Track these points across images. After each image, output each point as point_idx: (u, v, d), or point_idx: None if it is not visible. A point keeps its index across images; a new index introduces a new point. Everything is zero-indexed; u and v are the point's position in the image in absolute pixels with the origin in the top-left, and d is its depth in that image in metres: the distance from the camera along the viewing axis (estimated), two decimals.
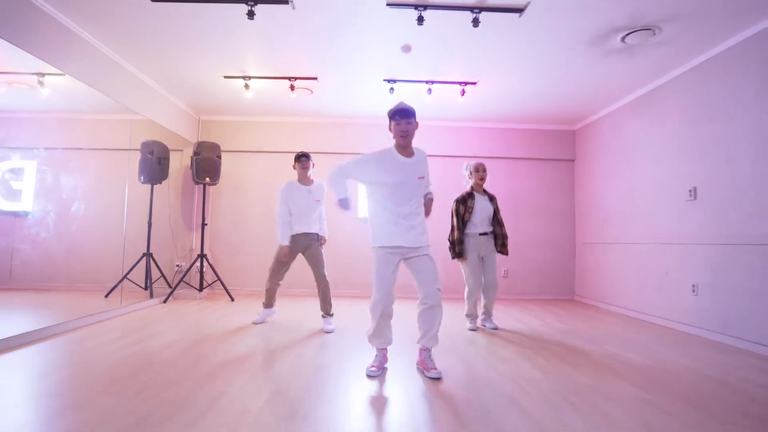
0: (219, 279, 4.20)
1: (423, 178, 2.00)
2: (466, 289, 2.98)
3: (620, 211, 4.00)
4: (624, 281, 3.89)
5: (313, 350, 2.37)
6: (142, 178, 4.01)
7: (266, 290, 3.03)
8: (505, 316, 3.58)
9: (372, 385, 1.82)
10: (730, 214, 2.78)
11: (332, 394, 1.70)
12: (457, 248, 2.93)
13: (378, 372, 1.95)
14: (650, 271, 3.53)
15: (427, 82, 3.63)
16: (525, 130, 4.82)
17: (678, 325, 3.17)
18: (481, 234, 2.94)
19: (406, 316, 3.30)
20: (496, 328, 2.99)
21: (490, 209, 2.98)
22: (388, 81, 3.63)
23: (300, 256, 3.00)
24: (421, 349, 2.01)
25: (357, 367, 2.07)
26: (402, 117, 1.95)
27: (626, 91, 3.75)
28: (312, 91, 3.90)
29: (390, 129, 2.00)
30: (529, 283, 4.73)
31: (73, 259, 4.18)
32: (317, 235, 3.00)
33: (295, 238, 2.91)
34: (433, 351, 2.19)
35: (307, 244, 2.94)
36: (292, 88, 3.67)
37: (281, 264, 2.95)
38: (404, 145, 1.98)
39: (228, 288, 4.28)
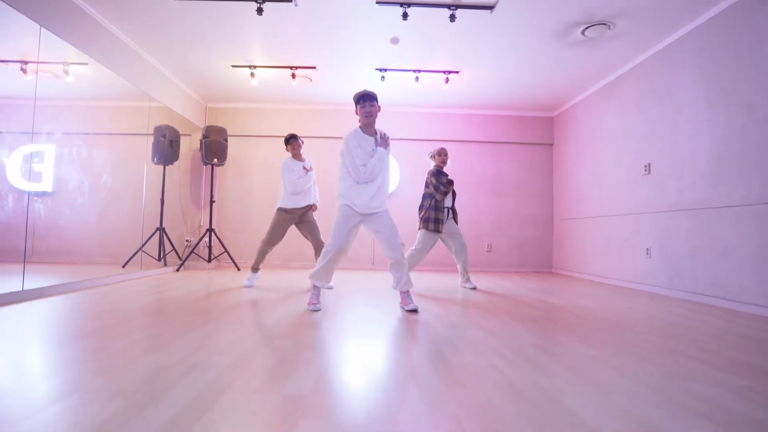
0: (226, 250, 4.63)
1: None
2: (412, 252, 3.31)
3: (590, 188, 4.46)
4: (592, 251, 4.36)
5: None
6: (155, 159, 4.42)
7: (258, 252, 3.21)
8: (484, 281, 4.04)
9: (361, 315, 2.27)
10: (673, 185, 3.24)
11: (333, 317, 2.15)
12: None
13: (319, 306, 2.32)
14: (613, 240, 4.00)
15: (414, 71, 4.05)
16: (507, 117, 5.25)
17: (634, 285, 3.65)
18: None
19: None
20: (474, 288, 3.44)
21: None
22: (380, 70, 4.05)
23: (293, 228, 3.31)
24: (401, 293, 2.44)
25: (354, 304, 2.52)
26: (366, 101, 2.30)
27: (593, 80, 4.19)
28: (311, 80, 4.31)
29: (356, 113, 2.36)
30: (510, 257, 5.19)
31: (90, 236, 4.56)
32: (310, 204, 3.35)
33: (293, 211, 3.26)
34: (415, 298, 2.64)
35: (301, 214, 3.28)
36: (293, 76, 4.08)
37: (278, 232, 3.22)
38: (369, 125, 2.33)
39: (235, 260, 4.71)
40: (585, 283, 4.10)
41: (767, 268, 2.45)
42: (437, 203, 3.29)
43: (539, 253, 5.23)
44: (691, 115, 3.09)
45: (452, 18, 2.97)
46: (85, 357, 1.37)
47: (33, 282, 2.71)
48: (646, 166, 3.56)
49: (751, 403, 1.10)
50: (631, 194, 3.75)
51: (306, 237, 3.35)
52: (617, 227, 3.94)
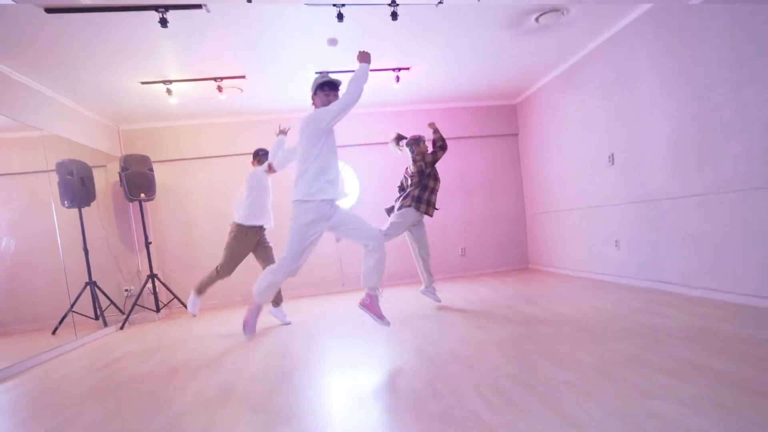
0: (175, 296, 4.22)
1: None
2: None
3: (558, 180, 4.42)
4: (564, 245, 4.37)
5: (280, 339, 2.64)
6: (66, 202, 3.86)
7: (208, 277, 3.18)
8: (460, 290, 3.96)
9: (339, 354, 2.03)
10: (636, 175, 3.25)
11: (308, 363, 1.90)
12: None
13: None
14: (582, 233, 4.03)
15: None
16: (467, 108, 5.09)
17: (605, 276, 3.73)
18: None
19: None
20: (439, 301, 3.34)
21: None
22: (320, 73, 3.69)
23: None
24: (369, 294, 2.33)
25: (329, 341, 2.28)
26: (331, 89, 2.22)
27: (552, 66, 4.08)
28: (242, 90, 3.89)
29: (314, 102, 2.27)
30: (486, 258, 5.12)
31: (4, 301, 3.96)
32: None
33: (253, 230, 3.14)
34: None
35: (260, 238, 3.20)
36: (219, 89, 3.64)
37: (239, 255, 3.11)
38: None
39: (186, 304, 4.29)
40: (560, 278, 4.12)
41: (723, 252, 2.57)
42: (429, 186, 3.26)
43: (515, 250, 5.20)
44: (649, 103, 3.06)
45: (394, 16, 2.69)
46: None
47: None
48: (609, 157, 3.55)
49: (696, 415, 1.25)
50: (597, 186, 3.76)
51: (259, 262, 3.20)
52: (585, 220, 3.96)
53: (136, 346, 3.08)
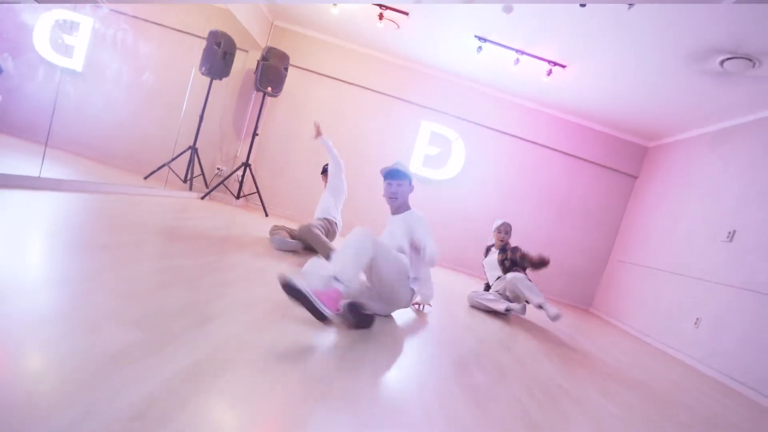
0: (258, 191, 4.52)
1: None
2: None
3: (661, 237, 4.22)
4: (638, 303, 4.23)
5: None
6: (204, 69, 4.28)
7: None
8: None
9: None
10: (753, 261, 3.06)
11: None
12: None
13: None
14: (664, 299, 3.87)
15: (517, 51, 3.77)
16: (597, 132, 4.91)
17: (670, 350, 3.57)
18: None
19: None
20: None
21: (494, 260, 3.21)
22: (479, 38, 3.77)
23: None
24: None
25: None
26: (392, 177, 1.95)
27: (710, 119, 3.83)
28: (399, 26, 4.03)
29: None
30: (551, 284, 5.00)
31: (118, 135, 4.49)
32: None
33: None
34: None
35: None
36: (380, 16, 3.85)
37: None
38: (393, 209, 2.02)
39: (265, 204, 4.62)
40: (621, 333, 3.99)
41: None
42: None
43: (582, 288, 5.05)
44: None
45: (582, 3, 2.70)
46: (100, 273, 1.31)
47: (51, 170, 2.51)
48: (729, 233, 3.33)
49: None
50: (702, 257, 3.57)
51: None
52: (674, 287, 3.79)
53: (210, 214, 3.39)
